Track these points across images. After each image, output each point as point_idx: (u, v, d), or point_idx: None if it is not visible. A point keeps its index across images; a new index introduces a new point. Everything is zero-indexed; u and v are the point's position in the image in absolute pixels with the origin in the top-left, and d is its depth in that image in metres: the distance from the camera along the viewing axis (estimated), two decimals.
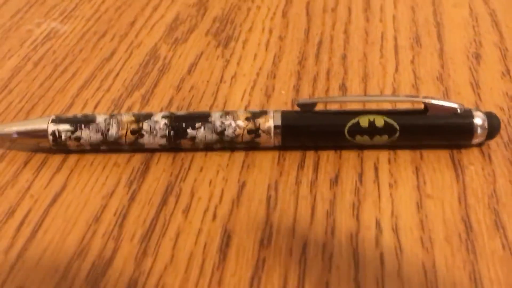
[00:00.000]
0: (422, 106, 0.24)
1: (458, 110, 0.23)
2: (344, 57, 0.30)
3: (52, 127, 0.24)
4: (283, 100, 0.27)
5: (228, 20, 0.34)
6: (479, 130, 0.23)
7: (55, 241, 0.21)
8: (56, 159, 0.25)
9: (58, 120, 0.24)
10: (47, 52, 0.32)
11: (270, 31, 0.32)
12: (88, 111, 0.27)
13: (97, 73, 0.30)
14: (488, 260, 0.19)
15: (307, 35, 0.32)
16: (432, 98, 0.24)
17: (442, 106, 0.23)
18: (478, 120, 0.23)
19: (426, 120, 0.23)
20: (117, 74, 0.30)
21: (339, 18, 0.33)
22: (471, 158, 0.23)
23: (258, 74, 0.29)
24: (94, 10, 0.35)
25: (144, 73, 0.30)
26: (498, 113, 0.25)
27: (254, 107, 0.27)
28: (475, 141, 0.23)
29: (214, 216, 0.22)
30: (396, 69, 0.29)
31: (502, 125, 0.24)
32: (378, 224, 0.21)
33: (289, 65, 0.30)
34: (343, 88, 0.28)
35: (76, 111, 0.27)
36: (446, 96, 0.27)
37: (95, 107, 0.28)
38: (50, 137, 0.24)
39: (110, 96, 0.28)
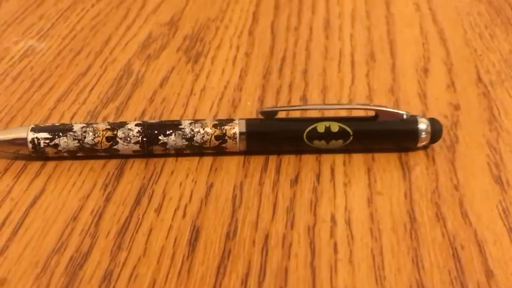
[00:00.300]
0: (373, 113, 0.26)
1: (405, 117, 0.26)
2: (305, 71, 0.32)
3: (31, 135, 0.26)
4: (248, 110, 0.30)
5: (198, 38, 0.36)
6: (423, 134, 0.26)
7: (35, 238, 0.23)
8: (35, 165, 0.26)
9: (37, 129, 0.26)
10: (25, 68, 0.34)
11: (237, 48, 0.35)
12: (65, 122, 0.29)
13: (73, 87, 0.32)
14: (429, 246, 0.22)
15: (271, 52, 0.34)
16: (382, 106, 0.26)
17: (390, 112, 0.26)
18: (422, 125, 0.26)
19: (376, 126, 0.26)
20: (93, 88, 0.32)
21: (301, 36, 0.36)
22: (417, 159, 0.26)
23: (225, 87, 0.31)
24: (70, 29, 0.37)
25: (118, 86, 0.32)
26: (443, 120, 0.28)
27: (222, 117, 0.29)
28: (420, 144, 0.26)
29: (184, 214, 0.24)
30: (352, 82, 0.31)
31: (445, 130, 0.27)
32: (333, 218, 0.23)
33: (254, 78, 0.32)
34: (304, 99, 0.30)
35: (54, 122, 0.29)
36: (397, 106, 0.29)
37: (72, 118, 0.29)
38: (30, 145, 0.26)
39: (86, 108, 0.30)
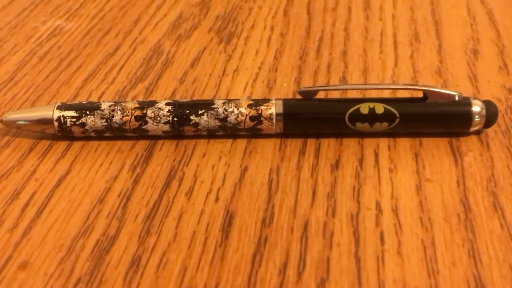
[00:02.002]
0: (421, 94, 0.24)
1: (457, 98, 0.24)
2: (344, 52, 0.31)
3: (57, 114, 0.25)
4: (284, 91, 0.28)
5: (231, 19, 0.34)
6: (477, 118, 0.23)
7: (59, 220, 0.21)
8: (61, 145, 0.25)
9: (63, 107, 0.25)
10: (52, 47, 0.32)
11: (272, 29, 0.33)
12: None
13: (102, 67, 0.30)
14: (486, 238, 0.20)
15: (308, 32, 0.33)
16: (431, 86, 0.24)
17: (440, 93, 0.24)
18: (476, 107, 0.24)
19: (425, 108, 0.24)
20: (121, 68, 0.30)
21: (339, 17, 0.34)
22: (469, 145, 0.24)
23: (260, 68, 0.30)
24: (99, 9, 0.36)
25: (148, 66, 0.30)
26: (496, 104, 0.25)
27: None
28: (473, 128, 0.24)
29: (217, 198, 0.22)
30: (396, 64, 0.29)
31: (500, 115, 0.25)
32: (378, 205, 0.21)
33: (290, 59, 0.30)
34: (343, 80, 0.28)
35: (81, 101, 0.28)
36: (445, 88, 0.27)
37: (100, 98, 0.28)
38: (56, 123, 0.25)
39: (114, 88, 0.29)
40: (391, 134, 0.24)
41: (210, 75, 0.30)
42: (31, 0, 0.37)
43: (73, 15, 0.35)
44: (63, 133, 0.25)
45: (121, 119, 0.24)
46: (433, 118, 0.24)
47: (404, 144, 0.24)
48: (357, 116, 0.24)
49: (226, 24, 0.34)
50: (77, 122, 0.24)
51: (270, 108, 0.24)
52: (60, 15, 0.36)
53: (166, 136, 0.25)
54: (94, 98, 0.28)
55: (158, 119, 0.24)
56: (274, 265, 0.19)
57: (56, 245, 0.20)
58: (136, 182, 0.23)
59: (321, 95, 0.25)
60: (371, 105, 0.24)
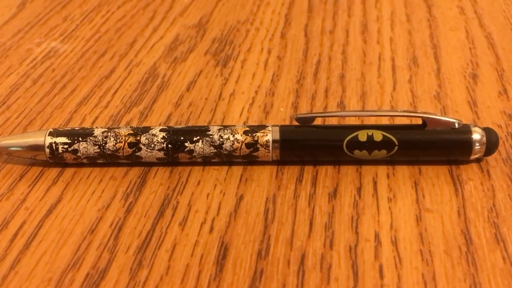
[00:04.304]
0: (420, 121, 0.24)
1: (456, 125, 0.23)
2: (342, 76, 0.30)
3: (49, 140, 0.24)
4: (281, 116, 0.28)
5: (227, 41, 0.34)
6: (477, 146, 0.23)
7: (49, 252, 0.21)
8: (53, 172, 0.25)
9: (55, 133, 0.24)
10: (46, 70, 0.32)
11: (269, 51, 0.33)
12: (86, 126, 0.27)
13: (96, 90, 0.30)
14: (489, 272, 0.19)
15: (305, 55, 0.32)
16: (430, 113, 0.24)
17: (440, 121, 0.23)
18: (477, 135, 0.23)
19: (424, 135, 0.23)
20: (116, 91, 0.30)
21: (337, 40, 0.34)
22: (470, 173, 0.23)
23: (256, 92, 0.29)
24: (94, 31, 0.36)
25: (143, 90, 0.30)
26: (496, 130, 0.25)
27: (253, 123, 0.27)
28: (474, 156, 0.23)
29: (211, 228, 0.21)
30: (394, 88, 0.29)
31: (500, 142, 0.25)
32: (377, 237, 0.21)
33: (287, 83, 0.30)
34: (341, 105, 0.28)
35: (74, 126, 0.27)
36: (444, 114, 0.27)
37: (93, 122, 0.28)
38: (47, 150, 0.24)
39: (109, 112, 0.28)
40: (390, 161, 0.24)
41: (206, 99, 0.29)
42: (26, 21, 0.37)
43: (68, 37, 0.35)
44: (55, 159, 0.24)
45: (114, 145, 0.24)
46: (432, 146, 0.23)
47: (403, 172, 0.24)
48: (355, 144, 0.23)
49: (223, 47, 0.33)
50: (69, 149, 0.24)
51: (267, 135, 0.24)
52: (55, 36, 0.35)
53: (160, 163, 0.25)
54: (87, 123, 0.28)
55: (152, 145, 0.24)
56: None
57: (44, 279, 0.20)
58: (128, 211, 0.22)
59: (318, 121, 0.25)
60: (370, 132, 0.23)
